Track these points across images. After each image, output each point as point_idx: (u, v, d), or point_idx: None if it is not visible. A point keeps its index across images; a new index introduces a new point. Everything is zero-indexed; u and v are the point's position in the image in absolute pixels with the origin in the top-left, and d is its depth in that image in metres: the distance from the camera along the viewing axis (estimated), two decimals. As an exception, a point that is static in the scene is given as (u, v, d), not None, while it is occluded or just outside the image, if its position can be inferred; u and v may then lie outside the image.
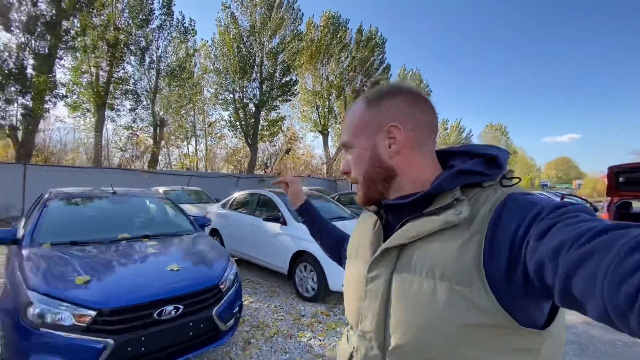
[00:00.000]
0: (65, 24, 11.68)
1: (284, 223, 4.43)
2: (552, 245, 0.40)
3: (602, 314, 0.35)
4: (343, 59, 22.91)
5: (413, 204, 0.61)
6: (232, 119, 19.26)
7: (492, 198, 0.55)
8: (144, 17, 13.98)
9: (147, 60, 14.37)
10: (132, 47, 13.92)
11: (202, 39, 17.65)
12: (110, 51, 13.32)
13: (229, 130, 20.43)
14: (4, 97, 10.94)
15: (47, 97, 11.77)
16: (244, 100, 18.52)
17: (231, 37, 17.11)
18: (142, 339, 1.99)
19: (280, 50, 18.32)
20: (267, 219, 4.56)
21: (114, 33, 13.33)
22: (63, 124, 15.90)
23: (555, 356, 0.55)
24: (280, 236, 4.40)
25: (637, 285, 0.31)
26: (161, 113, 15.88)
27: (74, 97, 13.72)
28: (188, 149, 22.00)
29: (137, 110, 14.77)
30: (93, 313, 1.89)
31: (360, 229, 0.76)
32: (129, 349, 1.94)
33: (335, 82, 22.80)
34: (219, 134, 22.76)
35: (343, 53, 22.72)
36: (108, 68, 13.76)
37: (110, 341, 1.88)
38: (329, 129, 24.22)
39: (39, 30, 11.01)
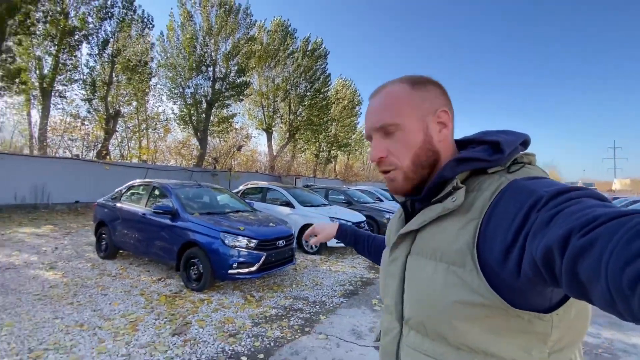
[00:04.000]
0: (27, 8, 11.44)
1: (292, 207, 6.76)
2: (559, 234, 0.40)
3: (607, 300, 0.34)
4: (289, 64, 25.08)
5: (427, 195, 0.65)
6: (182, 112, 19.87)
7: (494, 184, 0.57)
8: (102, 9, 14.05)
9: (107, 52, 14.45)
10: (89, 38, 13.91)
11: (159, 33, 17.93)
12: (66, 39, 13.21)
13: (178, 123, 20.92)
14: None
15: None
16: (196, 97, 19.37)
17: (188, 36, 17.87)
18: (273, 254, 4.29)
19: (235, 53, 19.69)
20: (281, 204, 6.84)
21: (63, 20, 13.22)
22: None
23: (569, 345, 0.55)
24: (291, 215, 6.71)
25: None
26: (115, 105, 15.97)
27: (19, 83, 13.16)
28: (144, 141, 21.70)
29: (93, 101, 14.67)
30: (256, 241, 4.11)
31: (392, 221, 0.83)
32: (269, 258, 4.22)
33: (281, 85, 24.86)
34: (164, 127, 22.80)
35: (289, 59, 24.89)
36: (54, 54, 13.51)
37: (264, 253, 4.13)
38: (273, 128, 26.20)
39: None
